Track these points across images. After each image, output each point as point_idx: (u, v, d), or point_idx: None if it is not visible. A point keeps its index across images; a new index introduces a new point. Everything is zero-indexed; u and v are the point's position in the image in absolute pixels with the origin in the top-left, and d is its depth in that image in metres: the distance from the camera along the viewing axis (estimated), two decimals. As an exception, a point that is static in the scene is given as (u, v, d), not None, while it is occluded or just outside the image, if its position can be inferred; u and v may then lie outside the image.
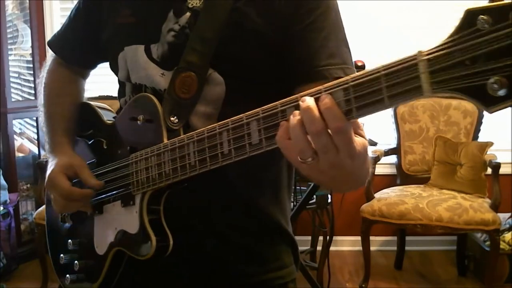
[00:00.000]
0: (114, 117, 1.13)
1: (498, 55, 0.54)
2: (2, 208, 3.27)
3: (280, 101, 0.74)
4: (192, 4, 0.99)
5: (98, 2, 1.11)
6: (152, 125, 0.95)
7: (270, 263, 1.08)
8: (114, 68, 1.09)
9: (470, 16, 0.56)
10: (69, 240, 1.13)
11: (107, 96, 3.03)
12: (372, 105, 0.64)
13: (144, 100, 0.99)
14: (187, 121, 0.96)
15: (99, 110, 1.16)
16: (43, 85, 1.22)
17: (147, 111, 0.97)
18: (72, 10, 1.19)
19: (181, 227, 0.96)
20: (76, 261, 1.09)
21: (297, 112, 0.69)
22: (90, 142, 1.14)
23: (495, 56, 0.54)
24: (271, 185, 1.08)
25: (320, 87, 0.68)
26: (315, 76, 0.93)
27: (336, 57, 0.95)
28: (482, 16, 0.55)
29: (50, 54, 1.26)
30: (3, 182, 3.35)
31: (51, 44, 1.24)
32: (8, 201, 3.34)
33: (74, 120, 1.17)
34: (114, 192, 1.02)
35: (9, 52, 3.55)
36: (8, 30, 3.57)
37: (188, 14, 0.98)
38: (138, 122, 0.98)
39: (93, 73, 1.28)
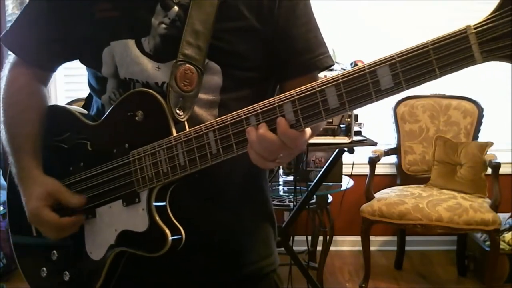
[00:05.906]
0: (93, 116, 1.07)
1: None
2: (2, 208, 3.26)
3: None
4: None
5: None
6: (156, 120, 0.94)
7: (261, 250, 1.11)
8: (94, 64, 1.03)
9: None
10: (53, 251, 1.07)
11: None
12: (421, 76, 0.71)
13: (141, 95, 0.96)
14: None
15: (74, 111, 1.08)
16: (1, 98, 1.09)
17: (147, 106, 0.94)
18: (28, 3, 1.06)
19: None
20: (65, 271, 1.05)
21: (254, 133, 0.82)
22: (68, 146, 1.06)
23: None
24: (260, 174, 1.11)
25: (369, 63, 0.75)
26: (312, 67, 1.02)
27: (323, 46, 1.04)
28: None
29: (8, 60, 1.12)
30: (3, 182, 3.35)
31: (6, 41, 1.09)
32: (8, 201, 3.34)
33: (40, 137, 1.07)
34: (112, 193, 0.99)
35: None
36: (8, 30, 3.56)
37: (176, 8, 0.98)
38: (137, 118, 0.95)
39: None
